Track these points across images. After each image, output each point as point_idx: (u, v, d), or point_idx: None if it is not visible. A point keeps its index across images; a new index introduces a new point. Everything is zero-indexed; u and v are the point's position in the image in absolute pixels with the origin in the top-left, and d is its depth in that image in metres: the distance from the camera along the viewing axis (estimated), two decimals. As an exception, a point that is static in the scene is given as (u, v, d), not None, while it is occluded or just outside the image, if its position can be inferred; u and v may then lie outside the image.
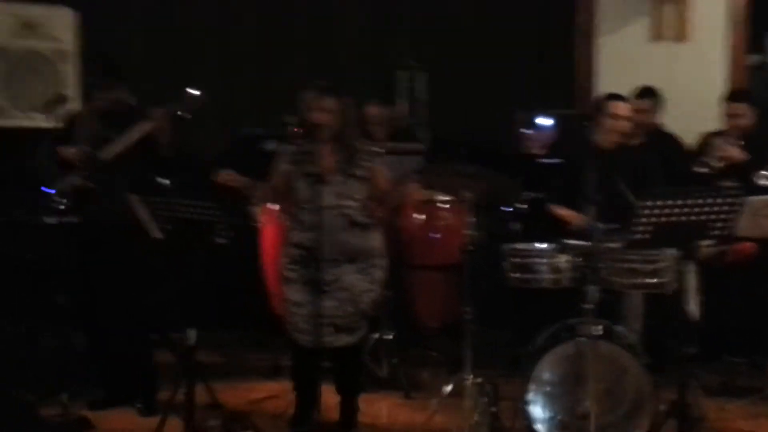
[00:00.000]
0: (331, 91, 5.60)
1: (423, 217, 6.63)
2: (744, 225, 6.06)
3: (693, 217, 5.14)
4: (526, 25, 8.71)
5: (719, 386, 6.60)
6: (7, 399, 5.36)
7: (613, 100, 6.35)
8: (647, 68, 8.27)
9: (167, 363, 6.79)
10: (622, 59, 8.46)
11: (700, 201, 5.12)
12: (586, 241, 5.47)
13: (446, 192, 6.22)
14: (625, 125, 6.26)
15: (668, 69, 8.37)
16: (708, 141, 7.14)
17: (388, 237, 6.49)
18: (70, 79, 7.52)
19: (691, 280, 6.36)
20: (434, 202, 6.59)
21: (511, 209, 6.98)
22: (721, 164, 6.80)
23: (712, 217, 5.17)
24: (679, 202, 5.10)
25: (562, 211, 6.18)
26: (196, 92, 5.88)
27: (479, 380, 5.44)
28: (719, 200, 5.14)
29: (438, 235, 6.57)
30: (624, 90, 7.07)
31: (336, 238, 5.53)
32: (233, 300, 7.62)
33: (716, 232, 5.26)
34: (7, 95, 7.57)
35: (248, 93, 8.35)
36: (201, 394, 5.68)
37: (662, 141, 7.31)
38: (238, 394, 6.35)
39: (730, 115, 7.04)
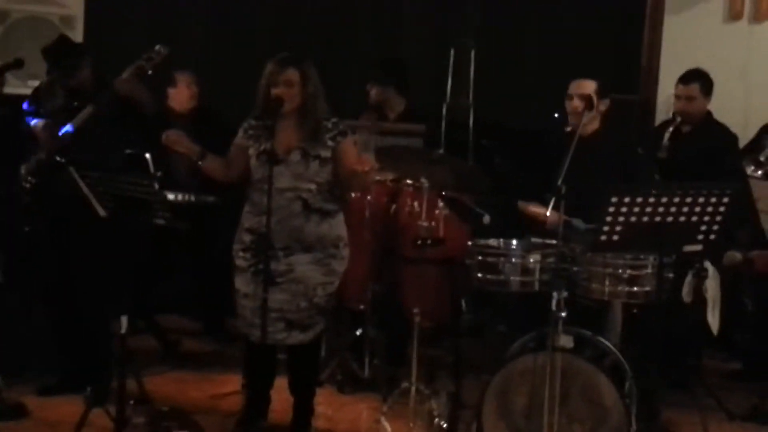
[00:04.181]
0: (293, 61, 5.09)
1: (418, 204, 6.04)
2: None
3: (670, 218, 4.46)
4: (592, 4, 8.01)
5: (749, 410, 5.85)
6: None
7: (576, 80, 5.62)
8: (720, 51, 7.55)
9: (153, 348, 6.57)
10: (693, 41, 7.73)
11: (678, 200, 4.43)
12: (557, 239, 4.80)
13: (404, 176, 5.60)
14: (576, 105, 5.49)
15: (744, 52, 7.63)
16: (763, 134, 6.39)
17: (379, 226, 6.02)
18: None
19: (713, 289, 5.64)
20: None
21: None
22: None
23: (694, 219, 4.48)
24: (652, 199, 4.42)
25: (533, 208, 5.37)
26: (163, 48, 5.56)
27: (423, 388, 4.85)
28: (701, 200, 4.44)
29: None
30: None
31: (290, 224, 5.02)
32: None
33: (701, 237, 4.56)
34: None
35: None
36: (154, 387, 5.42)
37: (710, 132, 6.50)
38: (205, 387, 5.95)
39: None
